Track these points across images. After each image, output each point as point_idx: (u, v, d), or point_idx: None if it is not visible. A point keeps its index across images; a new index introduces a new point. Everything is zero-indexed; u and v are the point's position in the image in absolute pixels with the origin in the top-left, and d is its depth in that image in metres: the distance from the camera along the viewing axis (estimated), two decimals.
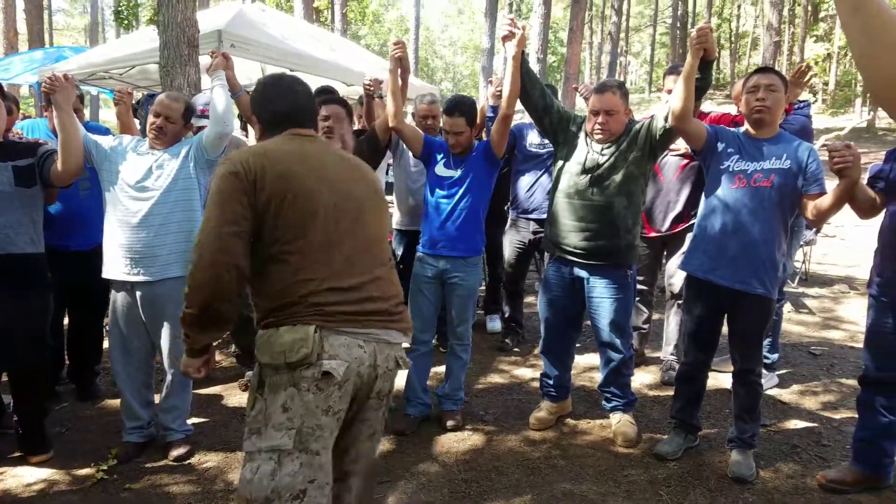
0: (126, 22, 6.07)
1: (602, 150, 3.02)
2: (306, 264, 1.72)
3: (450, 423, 3.32)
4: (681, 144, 3.55)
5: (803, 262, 6.78)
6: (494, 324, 4.91)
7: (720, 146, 2.88)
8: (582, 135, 3.11)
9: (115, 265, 2.91)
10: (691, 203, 3.75)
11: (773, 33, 18.62)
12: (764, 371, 3.76)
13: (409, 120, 4.37)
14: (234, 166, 1.72)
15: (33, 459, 2.95)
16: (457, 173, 3.21)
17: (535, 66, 13.57)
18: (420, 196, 3.64)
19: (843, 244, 9.04)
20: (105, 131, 3.81)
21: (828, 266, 7.66)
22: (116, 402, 3.28)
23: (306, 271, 1.72)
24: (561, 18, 30.80)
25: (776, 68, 3.21)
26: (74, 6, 39.16)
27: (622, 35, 30.47)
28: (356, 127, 4.19)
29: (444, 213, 3.21)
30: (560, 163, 3.17)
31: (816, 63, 23.95)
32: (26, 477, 2.85)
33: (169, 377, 3.03)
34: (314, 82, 7.03)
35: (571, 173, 3.08)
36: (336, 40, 9.66)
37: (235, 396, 3.76)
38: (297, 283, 1.71)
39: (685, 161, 3.76)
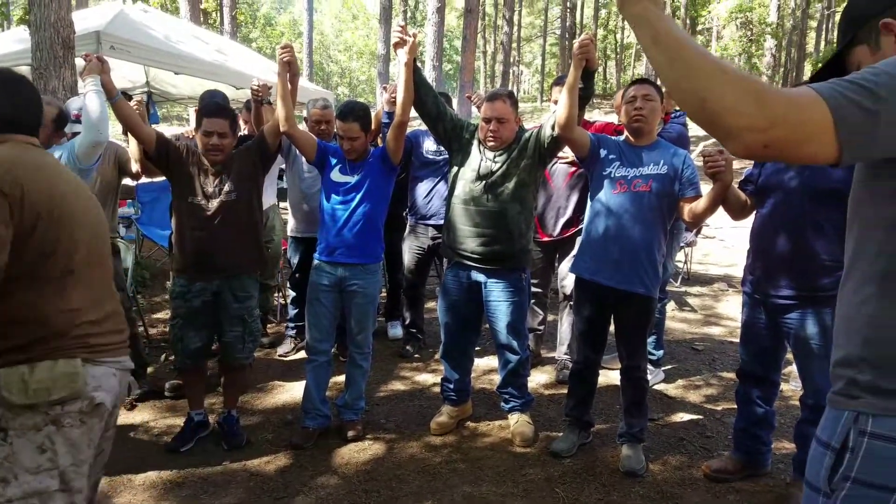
0: None
1: (495, 157, 3.09)
2: (68, 292, 1.62)
3: (350, 433, 3.27)
4: (569, 152, 3.70)
5: (685, 262, 7.23)
6: (396, 330, 4.89)
7: (603, 153, 3.02)
8: (475, 142, 3.17)
9: None
10: (580, 208, 3.91)
11: None
12: (650, 367, 3.98)
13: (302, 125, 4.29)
14: None
15: None
16: (353, 179, 3.18)
17: (430, 74, 13.72)
18: (315, 202, 3.57)
19: (722, 245, 9.70)
20: None
21: (708, 266, 8.18)
22: None
23: (69, 299, 1.62)
24: (455, 27, 31.35)
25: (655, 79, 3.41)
26: None
27: (514, 45, 31.43)
28: (244, 132, 4.06)
29: (340, 219, 3.16)
30: (455, 169, 3.21)
31: None
32: None
33: None
34: (202, 85, 6.81)
35: (466, 180, 3.13)
36: (224, 43, 9.33)
37: (120, 416, 3.44)
38: (59, 311, 1.60)
39: (573, 168, 3.91)
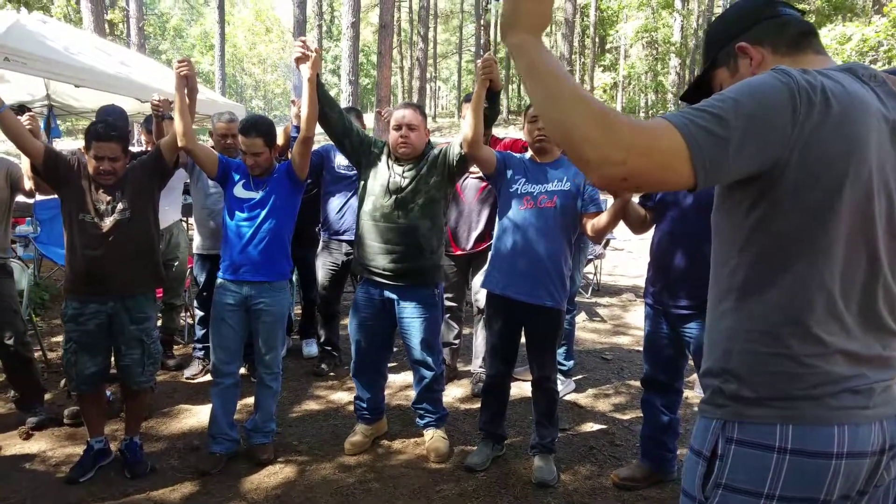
0: None
1: (403, 172, 3.11)
2: None
3: (260, 457, 3.18)
4: (478, 168, 3.79)
5: (595, 273, 7.51)
6: (311, 348, 4.80)
7: (509, 173, 3.09)
8: (384, 157, 3.18)
9: None
10: (492, 222, 3.99)
11: (564, 63, 20.61)
12: (561, 377, 4.10)
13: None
14: None
15: None
16: (258, 195, 3.12)
17: (347, 89, 13.68)
18: (220, 218, 3.48)
19: (630, 256, 10.14)
20: None
21: (617, 277, 8.52)
22: None
23: None
24: (372, 42, 31.39)
25: None
26: None
27: (431, 61, 31.79)
28: (144, 148, 3.91)
29: (245, 236, 3.09)
30: (364, 185, 3.21)
31: (605, 91, 26.87)
32: None
33: None
34: (105, 98, 6.49)
35: (376, 196, 3.13)
36: (129, 55, 8.95)
37: (16, 446, 3.31)
38: None
39: (484, 184, 4.00)
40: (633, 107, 29.70)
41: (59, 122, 8.64)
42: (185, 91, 3.03)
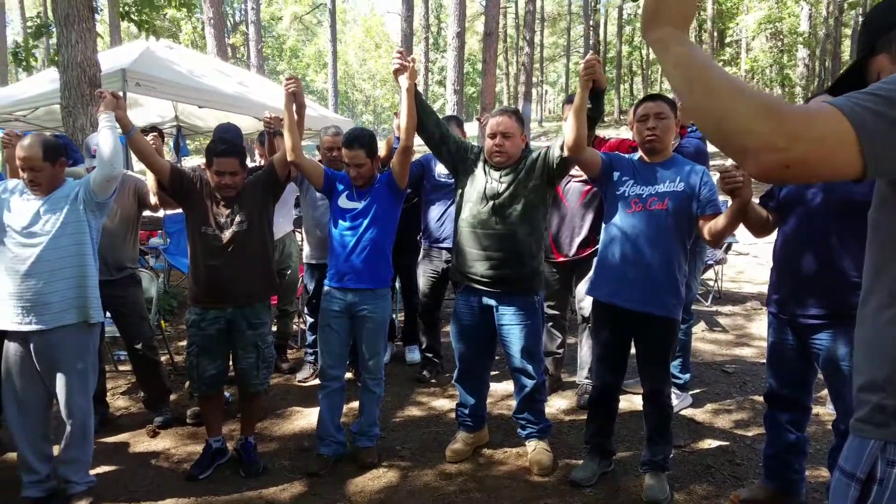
0: (24, 64, 5.80)
1: (500, 177, 3.07)
2: None
3: (365, 460, 3.24)
4: (582, 171, 3.67)
5: (715, 280, 7.06)
6: (413, 355, 4.86)
7: (616, 174, 2.96)
8: (481, 164, 3.16)
9: (6, 315, 2.75)
10: (596, 227, 3.84)
11: None
12: (676, 391, 3.87)
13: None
14: None
15: None
16: (360, 205, 3.19)
17: (452, 98, 13.84)
18: (328, 229, 3.60)
19: (755, 261, 9.46)
20: None
21: (741, 283, 7.95)
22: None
23: None
24: (477, 51, 31.66)
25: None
26: None
27: (537, 65, 31.55)
28: (259, 162, 4.12)
29: (349, 245, 3.16)
30: (461, 192, 3.19)
31: None
32: None
33: (68, 428, 2.87)
34: (226, 117, 6.97)
35: (473, 202, 3.11)
36: (247, 76, 9.58)
37: (143, 443, 3.57)
38: None
39: (588, 187, 3.87)
40: None
41: (187, 141, 9.38)
42: (294, 108, 3.16)
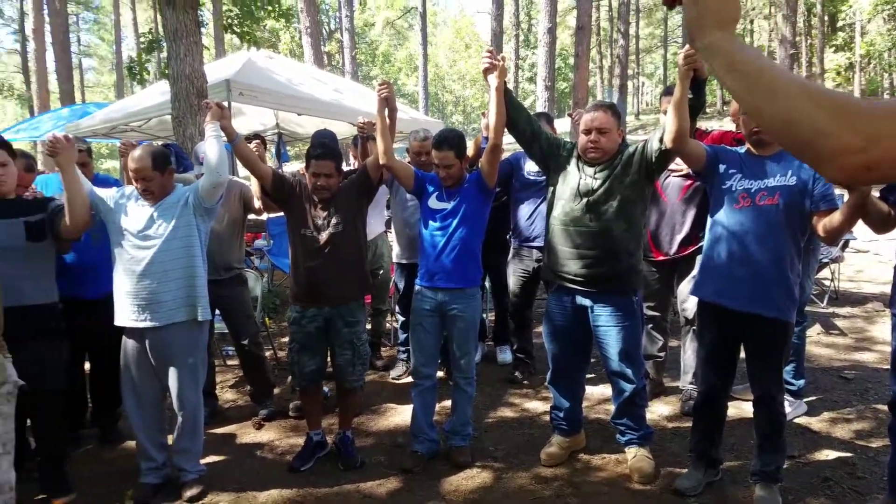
0: (139, 77, 6.26)
1: (595, 173, 2.97)
2: None
3: (458, 459, 3.24)
4: (682, 165, 3.49)
5: (832, 280, 6.55)
6: (505, 355, 4.82)
7: (721, 167, 2.81)
8: (574, 160, 3.07)
9: (124, 312, 2.96)
10: (698, 224, 3.65)
11: (787, 46, 18.51)
12: (790, 398, 3.62)
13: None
14: None
15: (56, 502, 2.99)
16: (449, 205, 3.19)
17: (543, 95, 13.65)
18: (417, 229, 3.64)
19: (877, 259, 8.70)
20: (114, 182, 3.89)
21: (861, 283, 7.33)
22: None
23: None
24: (569, 46, 31.11)
25: None
26: (104, 64, 40.63)
27: (632, 57, 30.60)
28: (353, 165, 4.22)
29: (438, 245, 3.17)
30: (553, 190, 3.12)
31: (838, 73, 23.62)
32: None
33: (180, 419, 3.06)
34: (323, 124, 7.21)
35: (565, 200, 3.02)
36: (341, 82, 9.86)
37: (249, 435, 3.75)
38: None
39: (689, 182, 3.68)
40: (874, 88, 25.72)
41: (287, 147, 9.80)
42: (386, 112, 3.21)
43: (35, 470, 3.06)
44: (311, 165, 3.17)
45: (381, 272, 4.67)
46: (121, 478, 3.19)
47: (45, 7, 16.51)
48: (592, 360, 3.52)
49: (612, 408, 3.29)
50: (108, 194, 3.04)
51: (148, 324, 2.92)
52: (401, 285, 4.47)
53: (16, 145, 3.08)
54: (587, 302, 3.05)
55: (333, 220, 3.17)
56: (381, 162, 3.21)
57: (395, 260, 4.55)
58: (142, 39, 6.72)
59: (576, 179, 3.00)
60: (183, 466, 3.07)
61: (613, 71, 23.29)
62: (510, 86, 3.16)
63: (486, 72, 3.01)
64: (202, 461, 3.19)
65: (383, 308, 4.91)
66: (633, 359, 3.08)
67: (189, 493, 3.00)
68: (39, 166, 3.85)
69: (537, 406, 4.02)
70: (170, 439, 3.14)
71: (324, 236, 3.16)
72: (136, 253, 2.92)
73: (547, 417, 3.52)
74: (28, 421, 3.08)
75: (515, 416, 3.89)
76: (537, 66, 13.55)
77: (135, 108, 7.58)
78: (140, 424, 3.05)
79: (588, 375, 3.54)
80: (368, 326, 4.47)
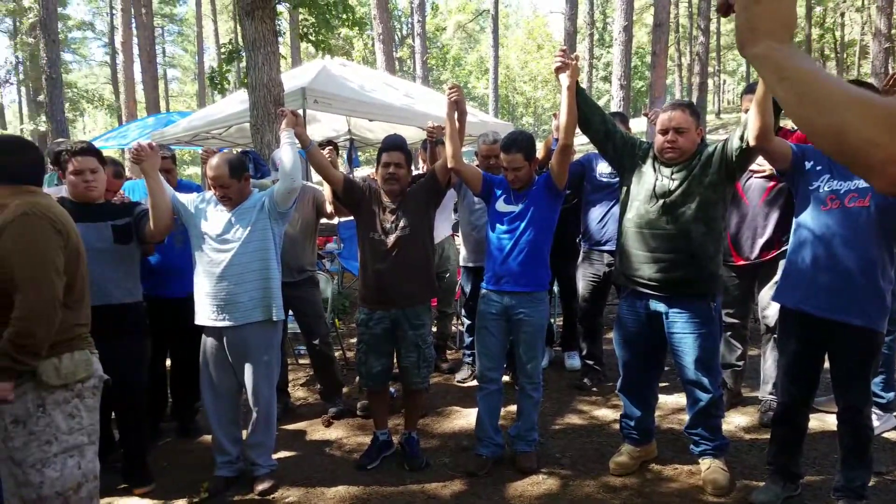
0: (219, 86, 6.54)
1: (672, 174, 2.87)
2: (80, 311, 2.24)
3: (524, 465, 3.21)
4: (766, 166, 3.34)
5: None
6: (573, 361, 4.73)
7: (808, 165, 2.67)
8: (650, 161, 2.98)
9: (203, 312, 3.10)
10: (781, 228, 3.48)
11: (882, 40, 17.33)
12: (878, 411, 3.39)
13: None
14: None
15: (137, 491, 3.15)
16: (517, 208, 3.16)
17: (618, 94, 13.38)
18: (483, 232, 3.63)
19: None
20: (196, 188, 4.08)
21: None
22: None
23: (80, 316, 2.23)
24: (646, 44, 30.31)
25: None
26: (187, 74, 42.85)
27: (713, 55, 29.47)
28: (422, 169, 4.26)
29: (505, 248, 3.15)
30: (627, 191, 3.04)
31: None
32: None
33: (254, 415, 3.17)
34: (394, 129, 7.34)
35: (640, 201, 2.94)
36: (412, 87, 9.97)
37: (318, 432, 3.85)
38: (76, 325, 2.20)
39: (772, 183, 3.51)
40: None
41: (358, 152, 10.00)
42: (456, 115, 3.22)
43: (118, 461, 3.25)
44: (383, 157, 3.25)
45: (448, 275, 4.69)
46: (197, 470, 3.34)
47: (134, 21, 17.52)
48: (666, 369, 3.41)
49: (686, 417, 3.17)
50: (188, 199, 3.19)
51: (226, 323, 3.05)
52: (467, 289, 4.47)
53: (105, 153, 3.28)
54: (661, 307, 2.95)
55: (401, 224, 3.21)
56: (449, 165, 3.22)
57: (461, 263, 4.56)
58: (222, 50, 7.01)
59: (651, 180, 2.91)
60: (256, 461, 3.18)
61: (693, 69, 22.48)
62: (583, 85, 3.10)
63: (558, 71, 2.97)
64: (274, 456, 3.29)
65: (449, 311, 4.92)
66: (710, 367, 2.95)
67: (261, 487, 3.11)
68: (127, 173, 4.08)
69: (607, 414, 3.93)
70: (244, 434, 3.26)
71: (391, 239, 3.20)
72: (215, 256, 3.05)
73: (617, 426, 3.44)
74: (112, 414, 3.27)
75: (583, 424, 3.82)
76: (612, 64, 13.30)
77: (215, 117, 7.93)
78: (216, 419, 3.18)
79: (661, 384, 3.42)
80: (434, 329, 4.50)
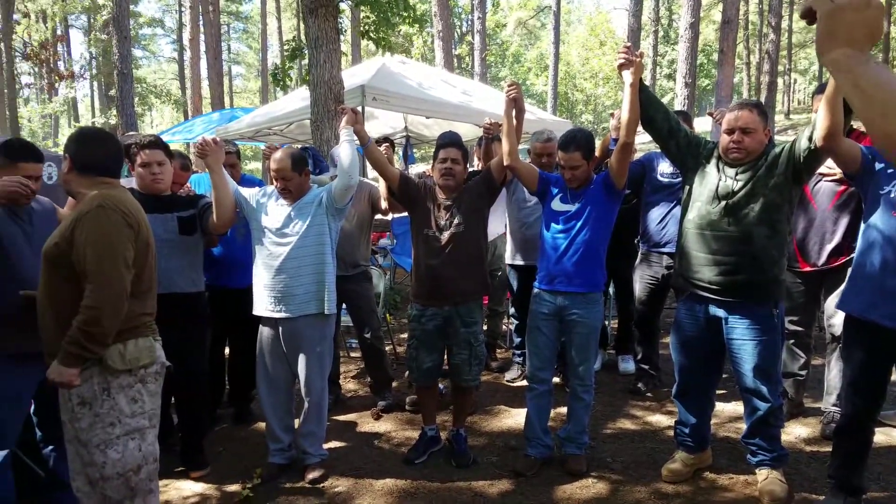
0: (282, 83, 6.69)
1: (736, 175, 2.78)
2: (146, 301, 2.29)
3: (573, 467, 3.18)
4: (836, 169, 3.19)
5: None
6: (627, 365, 4.65)
7: (878, 166, 2.55)
8: (714, 160, 2.89)
9: (261, 303, 3.19)
10: (851, 234, 3.31)
11: None
12: None
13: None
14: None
15: (193, 475, 3.27)
16: (573, 207, 3.11)
17: (682, 92, 13.02)
18: (533, 230, 3.60)
19: None
20: (259, 182, 4.20)
21: None
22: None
23: (145, 305, 2.29)
24: (713, 41, 29.34)
25: None
26: (250, 71, 44.08)
27: (784, 53, 28.30)
28: (477, 166, 4.26)
29: (560, 248, 3.11)
30: (689, 191, 2.95)
31: None
32: (184, 490, 3.14)
33: (306, 405, 3.23)
34: (450, 126, 7.34)
35: (702, 202, 2.85)
36: (470, 84, 9.94)
37: (368, 424, 3.91)
38: (141, 314, 2.26)
39: (842, 187, 3.35)
40: None
41: (414, 150, 10.06)
42: (514, 113, 3.21)
43: (177, 444, 3.38)
44: (440, 153, 3.28)
45: (500, 273, 4.66)
46: (251, 456, 3.45)
47: (201, 18, 18.09)
48: (725, 376, 3.30)
49: (743, 426, 3.07)
50: (250, 194, 3.28)
51: (282, 314, 3.12)
52: (514, 287, 4.44)
53: (172, 146, 3.40)
54: (721, 312, 2.86)
55: (456, 221, 3.21)
56: (505, 163, 3.20)
57: (507, 261, 4.51)
58: (285, 47, 7.16)
59: (714, 180, 2.82)
60: (307, 450, 3.24)
61: (762, 67, 21.62)
62: (646, 83, 3.03)
63: (622, 67, 2.91)
64: (324, 446, 3.35)
65: (500, 309, 4.90)
66: (770, 376, 2.85)
67: (311, 476, 3.18)
68: (194, 166, 4.23)
69: (661, 420, 3.84)
70: (296, 423, 3.34)
71: (445, 236, 3.21)
72: (274, 249, 3.13)
73: (671, 432, 3.36)
74: (172, 399, 3.40)
75: (636, 429, 3.74)
76: (677, 62, 12.94)
77: (277, 113, 8.12)
78: (270, 407, 3.26)
79: (719, 391, 3.32)
80: (484, 327, 4.49)
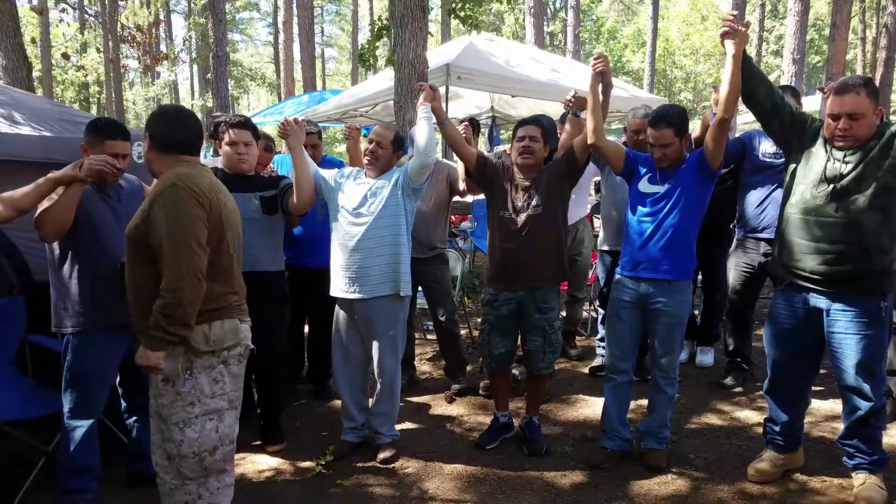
0: (368, 64, 6.73)
1: (845, 157, 2.53)
2: (231, 279, 2.31)
3: (652, 462, 3.04)
4: None
5: None
6: (705, 357, 4.41)
7: None
8: (820, 140, 2.65)
9: (337, 284, 3.21)
10: None
11: None
12: None
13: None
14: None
15: (269, 449, 3.37)
16: (662, 188, 2.94)
17: (790, 69, 12.14)
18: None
19: None
20: (339, 164, 4.26)
21: None
22: None
23: (230, 285, 2.29)
24: (825, 15, 27.11)
25: None
26: (342, 54, 44.98)
27: None
28: None
29: (646, 232, 2.96)
30: (792, 172, 2.73)
31: None
32: (259, 464, 3.25)
33: (379, 385, 3.25)
34: (538, 105, 7.15)
35: (807, 185, 2.63)
36: (560, 61, 9.67)
37: (440, 407, 3.91)
38: (226, 293, 2.27)
39: None
40: None
41: (500, 130, 9.93)
42: (600, 88, 3.06)
43: (256, 419, 3.48)
44: (518, 131, 3.21)
45: (580, 258, 4.50)
46: (326, 433, 3.52)
47: (294, 1, 18.50)
48: (822, 371, 3.05)
49: (840, 426, 2.85)
50: (330, 174, 3.31)
51: (357, 295, 3.12)
52: (602, 275, 4.27)
53: (265, 128, 3.49)
54: (823, 304, 2.64)
55: (533, 202, 3.12)
56: (589, 141, 3.06)
57: (598, 247, 4.35)
58: (373, 26, 7.20)
59: (821, 162, 2.59)
60: (379, 430, 3.27)
61: (878, 42, 19.76)
62: (752, 59, 2.81)
63: (725, 36, 2.71)
64: (396, 427, 3.37)
65: (580, 296, 4.73)
66: (873, 373, 2.62)
67: (382, 456, 3.20)
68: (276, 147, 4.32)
69: (749, 416, 3.62)
70: (370, 403, 3.37)
71: (522, 218, 3.13)
72: (350, 229, 3.14)
73: (759, 429, 3.16)
74: (253, 375, 3.49)
75: (722, 425, 3.54)
76: (785, 37, 12.02)
77: (363, 94, 8.23)
78: (345, 386, 3.30)
79: (815, 388, 3.07)
80: (563, 314, 4.36)
